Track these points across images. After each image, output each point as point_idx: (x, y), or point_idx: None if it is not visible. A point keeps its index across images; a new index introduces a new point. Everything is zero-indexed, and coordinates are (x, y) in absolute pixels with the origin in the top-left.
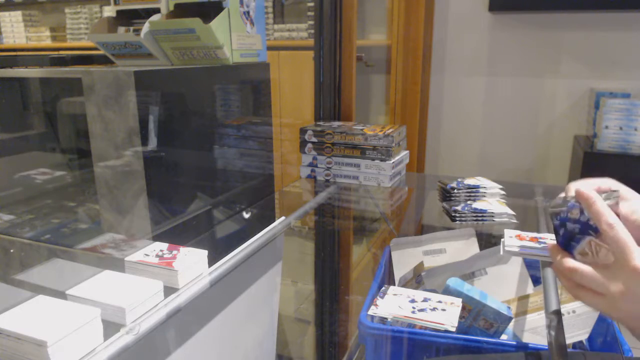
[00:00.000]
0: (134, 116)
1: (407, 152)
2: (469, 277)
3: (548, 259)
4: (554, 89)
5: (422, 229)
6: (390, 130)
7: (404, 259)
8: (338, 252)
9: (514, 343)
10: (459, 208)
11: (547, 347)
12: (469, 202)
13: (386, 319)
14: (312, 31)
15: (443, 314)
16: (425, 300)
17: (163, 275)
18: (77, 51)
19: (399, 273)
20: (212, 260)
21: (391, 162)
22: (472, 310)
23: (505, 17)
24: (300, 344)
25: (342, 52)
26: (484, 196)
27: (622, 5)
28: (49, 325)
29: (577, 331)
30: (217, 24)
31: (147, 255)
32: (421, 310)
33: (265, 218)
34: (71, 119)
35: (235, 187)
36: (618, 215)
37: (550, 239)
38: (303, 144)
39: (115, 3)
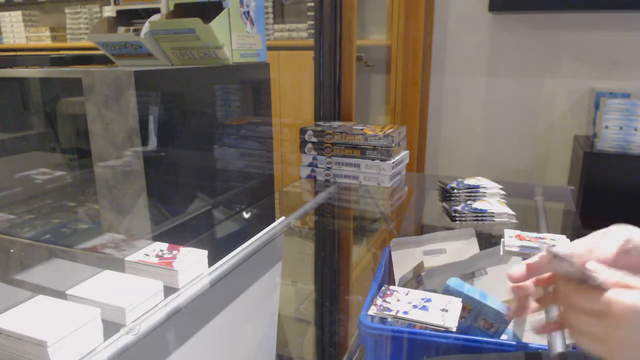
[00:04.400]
0: (134, 116)
1: (407, 152)
2: (469, 277)
3: None
4: (554, 89)
5: (422, 229)
6: (390, 130)
7: (404, 259)
8: (338, 252)
9: (514, 343)
10: (459, 208)
11: (547, 347)
12: (469, 202)
13: (386, 319)
14: (312, 31)
15: (443, 314)
16: (425, 300)
17: (163, 275)
18: (77, 51)
19: (399, 273)
20: (212, 260)
21: (391, 162)
22: (472, 310)
23: (505, 17)
24: (300, 344)
25: (342, 52)
26: (484, 196)
27: (622, 5)
28: (49, 325)
29: None
30: (217, 24)
31: (147, 255)
32: (421, 310)
33: (265, 218)
34: (71, 119)
35: (235, 187)
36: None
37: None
38: (303, 144)
39: (115, 3)
